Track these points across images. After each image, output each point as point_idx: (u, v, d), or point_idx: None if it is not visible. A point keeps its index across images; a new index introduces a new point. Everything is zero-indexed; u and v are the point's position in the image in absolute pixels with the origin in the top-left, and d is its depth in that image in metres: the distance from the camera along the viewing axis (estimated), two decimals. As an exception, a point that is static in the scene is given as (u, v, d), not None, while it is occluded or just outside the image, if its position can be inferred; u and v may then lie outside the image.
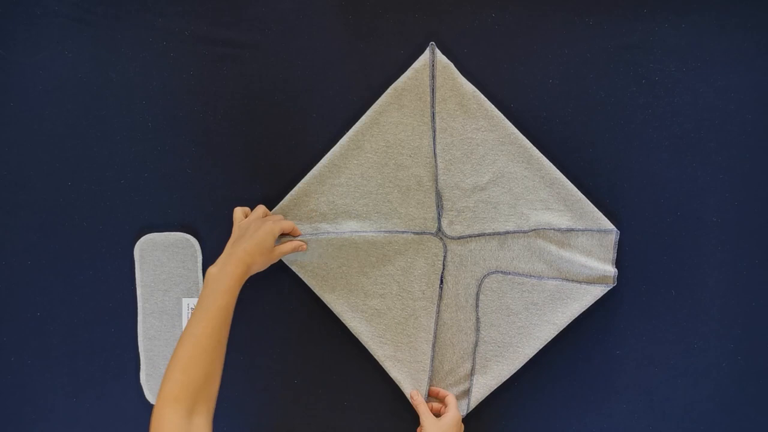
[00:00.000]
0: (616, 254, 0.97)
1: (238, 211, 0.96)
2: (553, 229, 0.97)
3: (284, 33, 0.99)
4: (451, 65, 0.96)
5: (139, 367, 1.02)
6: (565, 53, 0.98)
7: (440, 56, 0.96)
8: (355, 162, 0.98)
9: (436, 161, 0.97)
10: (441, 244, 0.98)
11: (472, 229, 0.98)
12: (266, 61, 0.99)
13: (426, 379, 0.99)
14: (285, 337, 1.01)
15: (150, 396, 1.02)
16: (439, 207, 0.98)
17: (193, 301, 1.01)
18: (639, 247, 0.99)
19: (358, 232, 0.98)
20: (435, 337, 0.99)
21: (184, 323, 1.01)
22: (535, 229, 0.97)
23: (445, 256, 0.99)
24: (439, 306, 0.99)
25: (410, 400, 0.97)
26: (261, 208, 0.97)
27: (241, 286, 0.87)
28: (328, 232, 0.98)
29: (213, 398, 0.80)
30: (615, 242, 0.97)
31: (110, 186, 1.01)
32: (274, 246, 0.93)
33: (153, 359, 1.02)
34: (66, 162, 1.01)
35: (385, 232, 0.98)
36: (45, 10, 1.00)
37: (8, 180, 1.01)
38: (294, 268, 1.00)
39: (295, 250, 0.95)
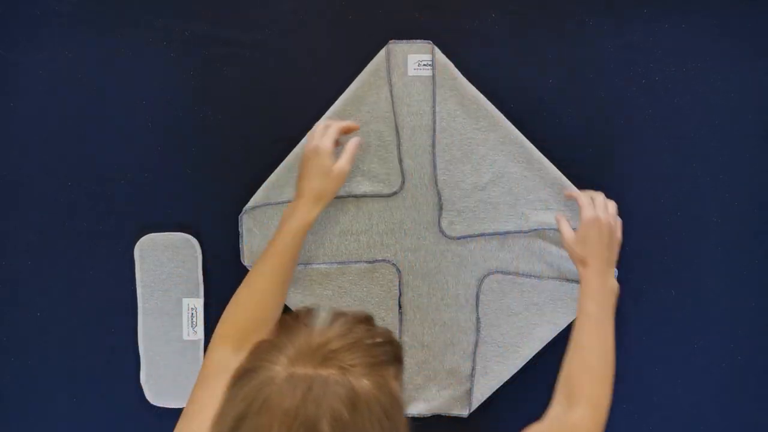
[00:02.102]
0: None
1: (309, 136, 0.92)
2: (553, 229, 0.97)
3: (284, 33, 0.99)
4: (451, 65, 0.96)
5: (139, 367, 1.02)
6: (565, 53, 0.98)
7: (440, 56, 0.96)
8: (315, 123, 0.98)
9: (435, 160, 0.97)
10: (394, 270, 0.99)
11: (472, 230, 0.98)
12: (266, 61, 0.99)
13: None
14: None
15: (150, 396, 1.02)
16: (440, 207, 0.98)
17: (193, 302, 1.01)
18: (639, 247, 0.99)
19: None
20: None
21: (185, 323, 1.01)
22: (535, 230, 0.97)
23: (400, 281, 0.99)
24: (401, 331, 0.99)
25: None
26: (318, 128, 0.92)
27: (312, 221, 0.87)
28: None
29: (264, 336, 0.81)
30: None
31: (110, 186, 1.01)
32: (333, 164, 0.88)
33: (153, 359, 1.02)
34: (66, 162, 1.01)
35: (338, 263, 0.98)
36: (45, 10, 1.00)
37: (8, 180, 1.01)
38: None
39: (355, 150, 0.91)
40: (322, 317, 0.62)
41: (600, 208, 0.89)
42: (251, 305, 0.82)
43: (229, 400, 0.58)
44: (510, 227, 0.98)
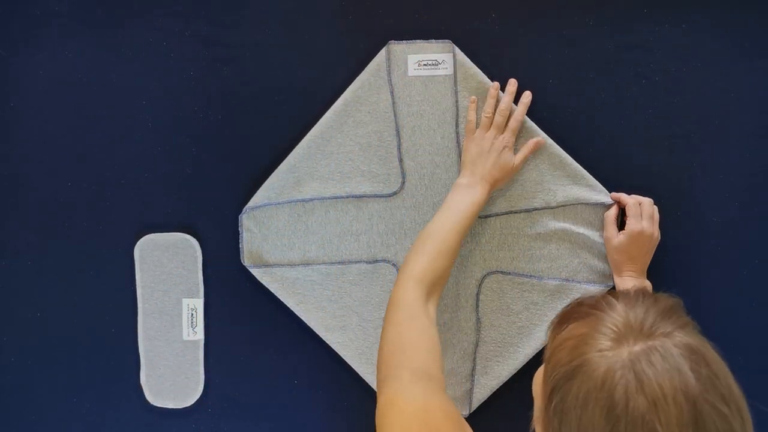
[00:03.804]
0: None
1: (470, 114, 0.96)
2: (581, 204, 0.96)
3: (284, 33, 0.99)
4: (469, 62, 0.97)
5: (139, 368, 1.02)
6: (565, 53, 0.98)
7: (460, 55, 0.97)
8: (314, 125, 0.98)
9: (458, 139, 0.97)
10: (394, 270, 0.99)
11: (499, 207, 0.98)
12: (266, 61, 0.99)
13: None
14: (285, 336, 1.01)
15: (150, 396, 1.02)
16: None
17: (193, 302, 1.01)
18: (639, 247, 0.99)
19: (323, 197, 0.98)
20: None
21: (184, 323, 1.01)
22: (563, 205, 0.97)
23: None
24: None
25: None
26: (496, 117, 0.95)
27: (484, 202, 0.92)
28: (293, 200, 0.98)
29: (441, 291, 0.88)
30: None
31: (110, 186, 1.01)
32: (513, 159, 0.94)
33: (153, 359, 1.02)
34: (66, 162, 1.01)
35: (338, 263, 0.99)
36: (45, 10, 1.00)
37: (8, 180, 1.01)
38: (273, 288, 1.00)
39: (534, 149, 0.96)
40: (612, 300, 0.63)
41: (646, 219, 0.93)
42: (439, 258, 0.85)
43: (576, 407, 0.57)
44: (537, 204, 0.97)
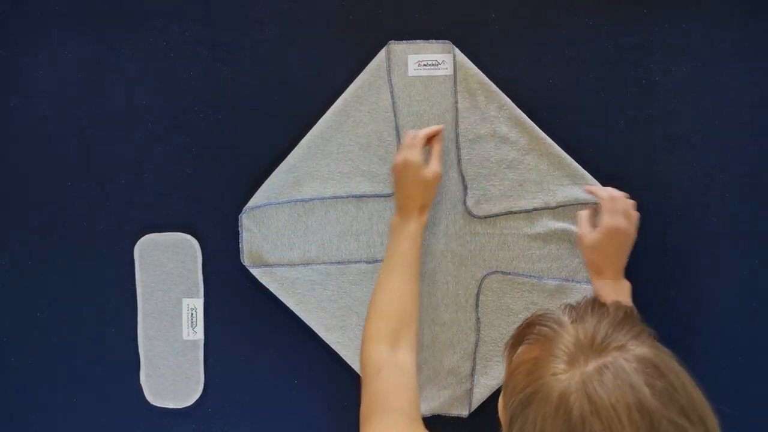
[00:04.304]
0: None
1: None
2: (581, 204, 0.96)
3: (284, 33, 0.99)
4: (470, 63, 0.97)
5: (139, 368, 1.02)
6: (565, 53, 0.98)
7: (461, 56, 0.97)
8: (314, 125, 0.98)
9: (458, 141, 0.97)
10: None
11: (498, 208, 0.98)
12: (266, 61, 0.99)
13: None
14: (285, 336, 1.01)
15: (150, 396, 1.02)
16: (464, 187, 0.98)
17: (193, 302, 1.01)
18: (638, 247, 0.99)
19: (324, 197, 0.98)
20: None
21: (184, 323, 1.01)
22: (563, 205, 0.97)
23: None
24: None
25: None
26: (406, 140, 0.94)
27: (424, 225, 0.92)
28: (293, 200, 0.98)
29: (413, 332, 0.86)
30: None
31: (110, 186, 1.01)
32: (426, 172, 0.92)
33: (153, 359, 1.02)
34: (66, 162, 1.01)
35: (338, 263, 0.99)
36: (45, 10, 1.00)
37: (8, 180, 1.01)
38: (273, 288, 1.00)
39: (440, 153, 0.94)
40: (562, 317, 0.62)
41: (622, 214, 0.89)
42: (395, 305, 0.86)
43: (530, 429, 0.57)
44: (537, 204, 0.97)
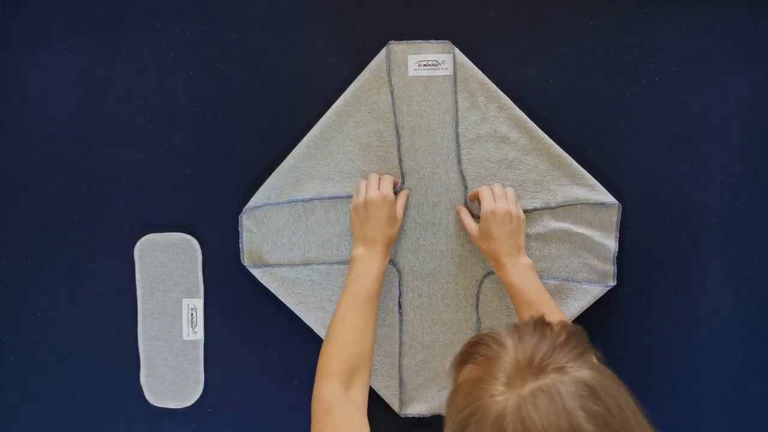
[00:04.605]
0: (616, 253, 0.97)
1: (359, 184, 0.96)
2: (582, 204, 0.96)
3: (284, 33, 0.99)
4: (470, 63, 0.97)
5: (139, 368, 1.02)
6: (565, 53, 0.98)
7: (461, 56, 0.97)
8: (314, 124, 0.98)
9: (458, 140, 0.97)
10: (394, 270, 0.99)
11: None
12: (266, 61, 0.99)
13: (397, 403, 0.99)
14: (285, 336, 1.01)
15: (150, 396, 1.02)
16: (464, 186, 0.98)
17: (193, 302, 1.01)
18: (639, 246, 0.99)
19: (323, 197, 0.98)
20: (401, 361, 0.99)
21: (184, 323, 1.01)
22: (563, 205, 0.97)
23: (399, 282, 0.99)
24: (401, 331, 0.99)
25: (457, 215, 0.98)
26: (372, 178, 0.96)
27: (386, 265, 0.93)
28: (293, 200, 0.98)
29: (367, 373, 0.85)
30: (618, 215, 0.97)
31: (110, 186, 1.01)
32: (396, 208, 0.95)
33: (153, 359, 1.02)
34: (66, 162, 1.01)
35: (338, 263, 0.99)
36: (45, 10, 1.00)
37: (8, 180, 1.01)
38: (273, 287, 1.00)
39: (406, 198, 0.97)
40: (505, 336, 0.62)
41: (498, 198, 0.92)
42: (351, 345, 0.85)
43: None
44: (537, 204, 0.97)
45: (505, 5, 0.98)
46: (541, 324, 0.64)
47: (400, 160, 0.98)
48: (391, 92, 0.97)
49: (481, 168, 0.98)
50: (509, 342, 0.61)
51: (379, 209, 0.92)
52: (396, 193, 0.97)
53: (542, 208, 0.97)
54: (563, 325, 0.64)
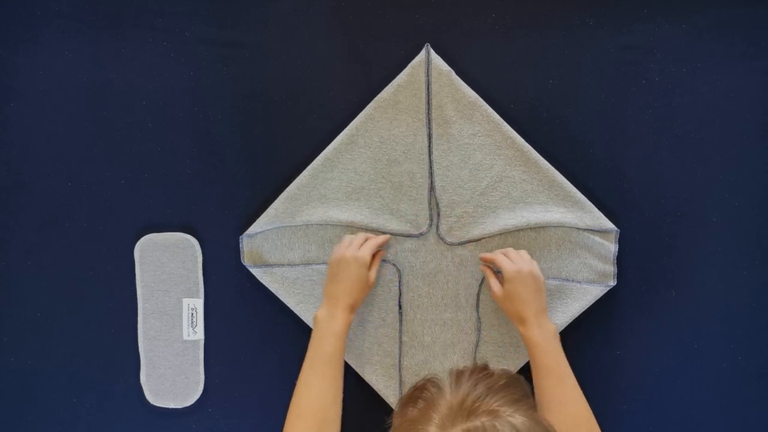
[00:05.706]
0: (616, 253, 0.97)
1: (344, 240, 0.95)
2: (554, 226, 0.96)
3: (284, 33, 0.99)
4: (450, 71, 0.96)
5: (139, 368, 1.02)
6: (565, 53, 0.98)
7: (437, 60, 0.96)
8: (348, 157, 0.98)
9: (431, 168, 0.97)
10: (394, 270, 0.99)
11: (471, 235, 0.98)
12: (266, 61, 0.99)
13: (397, 403, 0.99)
14: (285, 336, 1.01)
15: (150, 396, 1.02)
16: (438, 213, 0.98)
17: (193, 302, 1.01)
18: (639, 247, 0.99)
19: (352, 223, 0.98)
20: (401, 361, 0.99)
21: (185, 323, 1.01)
22: (541, 226, 0.96)
23: (400, 282, 0.99)
24: (401, 331, 0.99)
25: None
26: (357, 239, 0.95)
27: (349, 325, 0.91)
28: (318, 223, 0.99)
29: (338, 425, 0.85)
30: (615, 241, 0.97)
31: (110, 186, 1.01)
32: (369, 271, 0.93)
33: (153, 359, 1.02)
34: (66, 162, 1.01)
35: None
36: (45, 10, 1.00)
37: (8, 180, 1.01)
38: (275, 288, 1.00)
39: (379, 262, 0.96)
40: (445, 380, 0.65)
41: (517, 260, 0.91)
42: (316, 408, 0.85)
43: None
44: (519, 223, 0.97)
45: (505, 5, 0.98)
46: (480, 369, 0.66)
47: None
48: (429, 132, 0.97)
49: (454, 195, 0.97)
50: (447, 386, 0.64)
51: (348, 269, 0.91)
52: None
53: (524, 228, 0.97)
54: (505, 373, 0.66)
